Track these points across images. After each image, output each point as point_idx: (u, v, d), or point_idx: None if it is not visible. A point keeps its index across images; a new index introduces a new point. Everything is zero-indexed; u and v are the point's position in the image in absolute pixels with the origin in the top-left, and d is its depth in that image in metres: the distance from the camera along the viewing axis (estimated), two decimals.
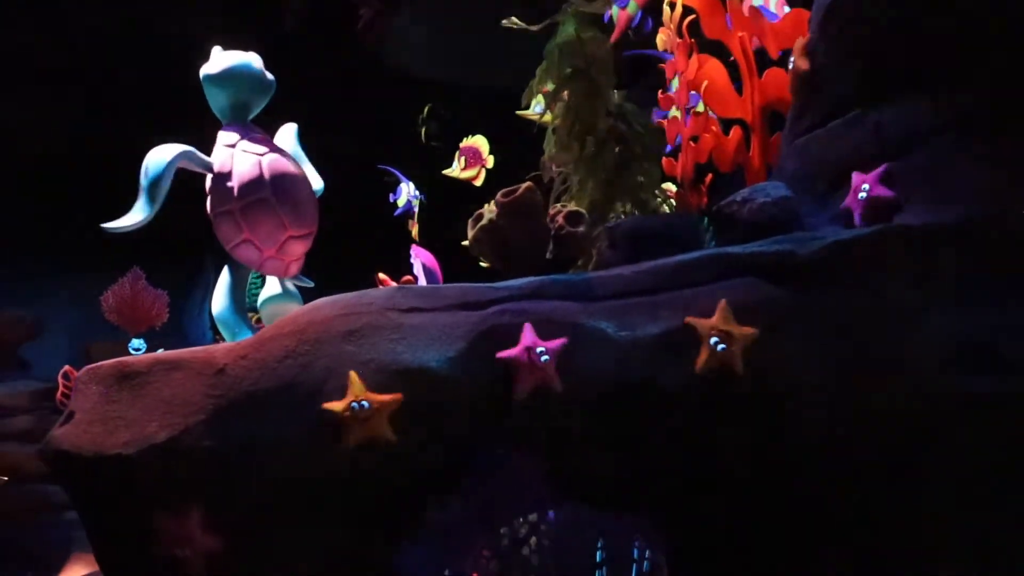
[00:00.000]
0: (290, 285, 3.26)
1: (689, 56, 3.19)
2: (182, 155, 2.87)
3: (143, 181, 2.84)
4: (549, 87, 3.01)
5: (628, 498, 2.60)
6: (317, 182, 3.24)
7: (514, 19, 3.00)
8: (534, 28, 3.01)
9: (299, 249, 3.04)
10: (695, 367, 2.46)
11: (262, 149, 3.01)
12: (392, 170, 6.17)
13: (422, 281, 4.22)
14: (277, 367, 2.49)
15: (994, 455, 2.42)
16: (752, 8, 3.33)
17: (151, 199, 2.80)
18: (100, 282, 7.22)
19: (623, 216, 3.05)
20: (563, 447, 2.53)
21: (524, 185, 2.70)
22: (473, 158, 4.28)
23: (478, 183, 4.37)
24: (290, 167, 3.01)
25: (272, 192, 2.92)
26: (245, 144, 3.00)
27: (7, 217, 7.03)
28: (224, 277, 3.07)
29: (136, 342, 6.98)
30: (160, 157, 2.84)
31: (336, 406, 2.38)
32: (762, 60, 3.31)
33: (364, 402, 2.39)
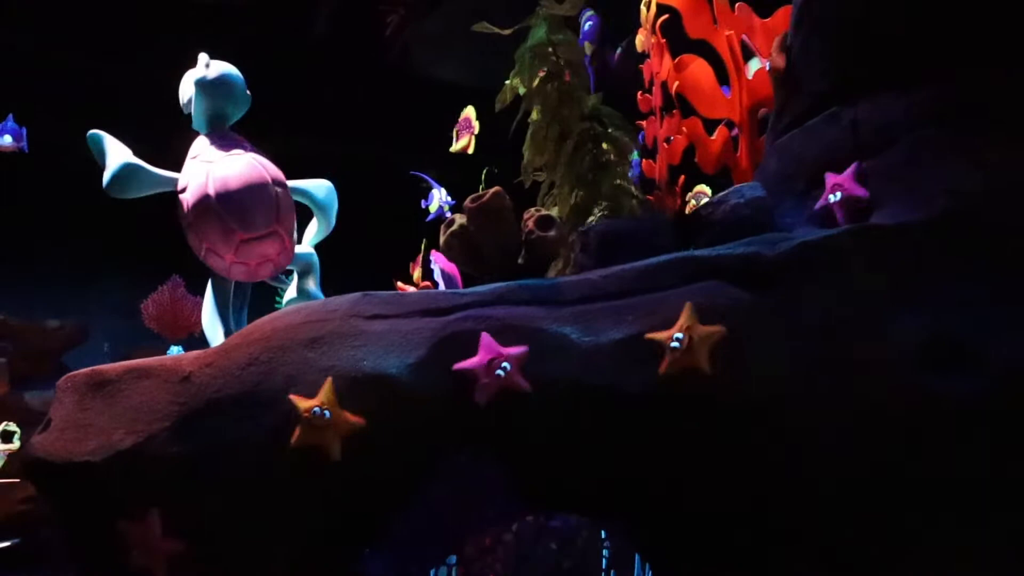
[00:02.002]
0: (310, 287, 3.29)
1: (663, 57, 3.15)
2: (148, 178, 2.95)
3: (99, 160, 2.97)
4: (521, 91, 3.00)
5: (595, 504, 2.58)
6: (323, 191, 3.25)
7: (485, 24, 2.99)
8: (506, 32, 3.00)
9: (261, 250, 3.03)
10: (659, 371, 2.40)
11: (218, 155, 3.03)
12: (424, 176, 6.20)
13: (441, 287, 4.24)
14: (241, 374, 2.52)
15: (968, 455, 2.33)
16: (741, 4, 3.28)
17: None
18: (141, 290, 7.41)
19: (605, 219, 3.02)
20: (526, 454, 2.51)
21: (492, 190, 2.68)
22: (464, 128, 4.26)
23: (470, 151, 4.35)
24: (239, 171, 3.01)
25: (216, 198, 2.94)
26: (205, 154, 3.04)
27: (51, 227, 7.23)
28: (208, 289, 3.12)
29: (174, 348, 7.14)
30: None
31: (301, 403, 2.38)
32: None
33: (326, 411, 2.39)
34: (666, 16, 3.22)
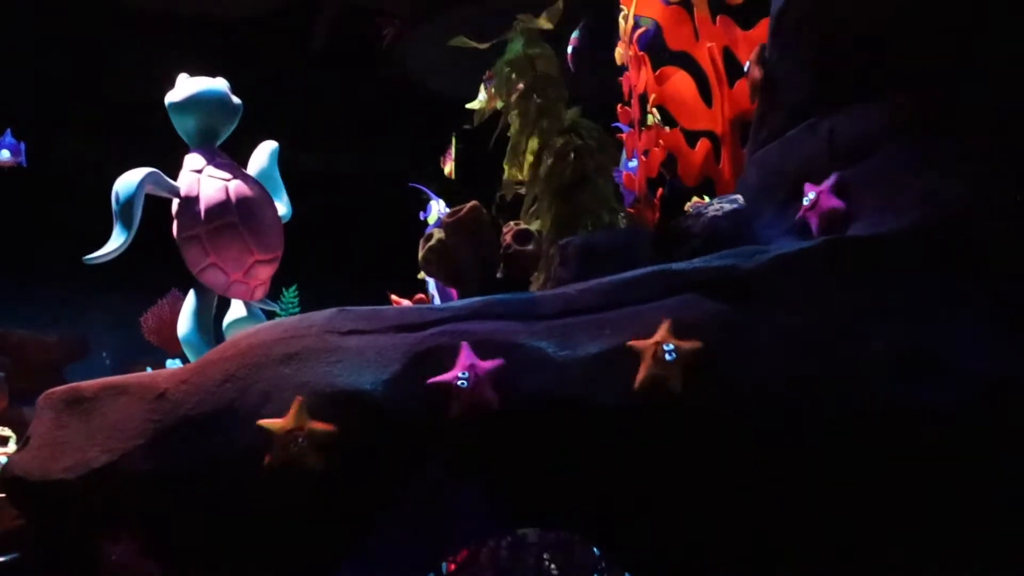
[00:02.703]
0: (256, 308, 3.30)
1: (640, 70, 3.14)
2: (149, 177, 2.93)
3: (115, 208, 2.90)
4: (499, 105, 2.99)
5: (571, 517, 2.57)
6: (283, 207, 3.27)
7: (463, 38, 2.99)
8: (483, 46, 3.00)
9: (265, 273, 3.09)
10: (634, 384, 2.39)
11: (228, 175, 3.05)
12: (422, 188, 6.21)
13: (436, 301, 4.23)
14: (216, 391, 2.52)
15: (943, 467, 2.31)
16: (722, 17, 3.27)
17: (126, 225, 2.87)
18: (141, 304, 7.42)
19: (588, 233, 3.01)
20: (502, 468, 2.50)
21: (469, 204, 2.68)
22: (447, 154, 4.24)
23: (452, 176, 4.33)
24: (256, 193, 3.05)
25: (239, 217, 2.96)
26: (211, 169, 3.06)
27: (51, 240, 7.25)
28: (190, 300, 3.13)
29: (172, 361, 7.15)
30: (128, 181, 2.91)
31: (273, 424, 2.38)
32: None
33: (301, 438, 2.38)
34: (643, 29, 3.21)
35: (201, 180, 3.01)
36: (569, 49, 3.39)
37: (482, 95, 3.69)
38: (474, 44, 2.97)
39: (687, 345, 2.36)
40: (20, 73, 7.07)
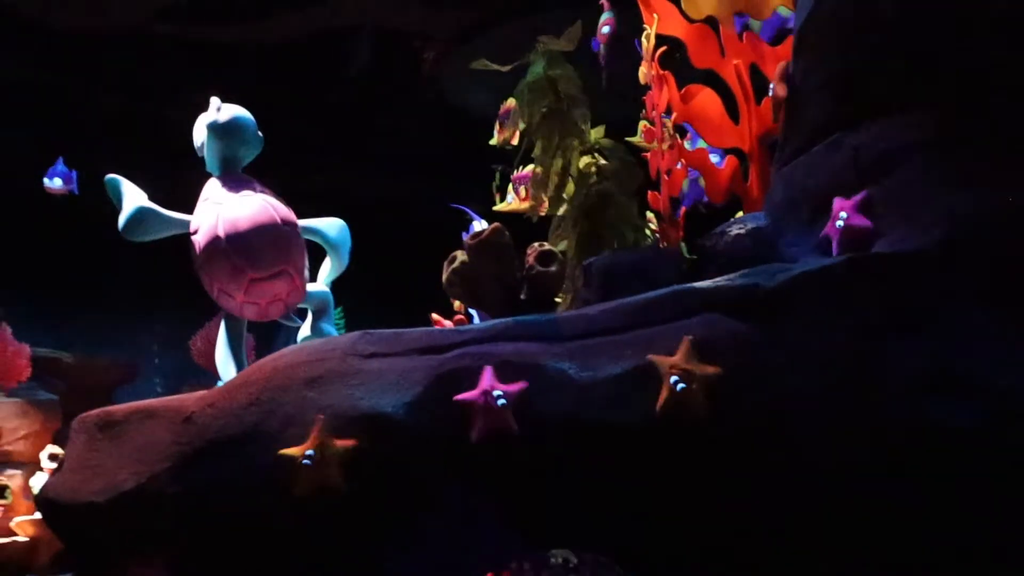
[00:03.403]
0: (323, 325, 3.33)
1: (663, 89, 3.13)
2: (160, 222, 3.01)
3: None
4: (521, 127, 3.01)
5: (593, 539, 2.55)
6: (331, 228, 3.29)
7: (484, 60, 3.01)
8: (505, 69, 3.02)
9: (272, 289, 3.09)
10: (655, 407, 2.38)
11: (229, 196, 3.09)
12: (464, 209, 6.23)
13: (476, 320, 4.25)
14: (242, 414, 2.55)
15: (970, 486, 2.26)
16: (749, 34, 3.25)
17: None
18: (190, 327, 7.55)
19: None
20: (523, 490, 2.50)
21: (491, 226, 2.69)
22: (507, 117, 4.12)
23: (514, 142, 4.17)
24: (249, 211, 3.06)
25: (225, 240, 3.00)
26: (216, 196, 3.11)
27: (103, 266, 7.41)
28: (221, 328, 3.17)
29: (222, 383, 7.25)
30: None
31: (294, 451, 2.40)
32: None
33: (321, 452, 2.40)
34: (665, 48, 3.21)
35: (203, 209, 3.06)
36: (603, 33, 3.33)
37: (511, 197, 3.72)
38: (496, 67, 2.98)
39: (707, 368, 2.34)
40: (71, 102, 7.26)
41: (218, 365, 3.14)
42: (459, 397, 2.44)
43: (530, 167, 4.16)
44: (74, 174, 6.55)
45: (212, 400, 2.60)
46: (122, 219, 3.07)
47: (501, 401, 2.39)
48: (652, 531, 2.48)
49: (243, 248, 3.03)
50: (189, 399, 2.65)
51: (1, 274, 6.80)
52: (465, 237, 6.28)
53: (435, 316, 4.63)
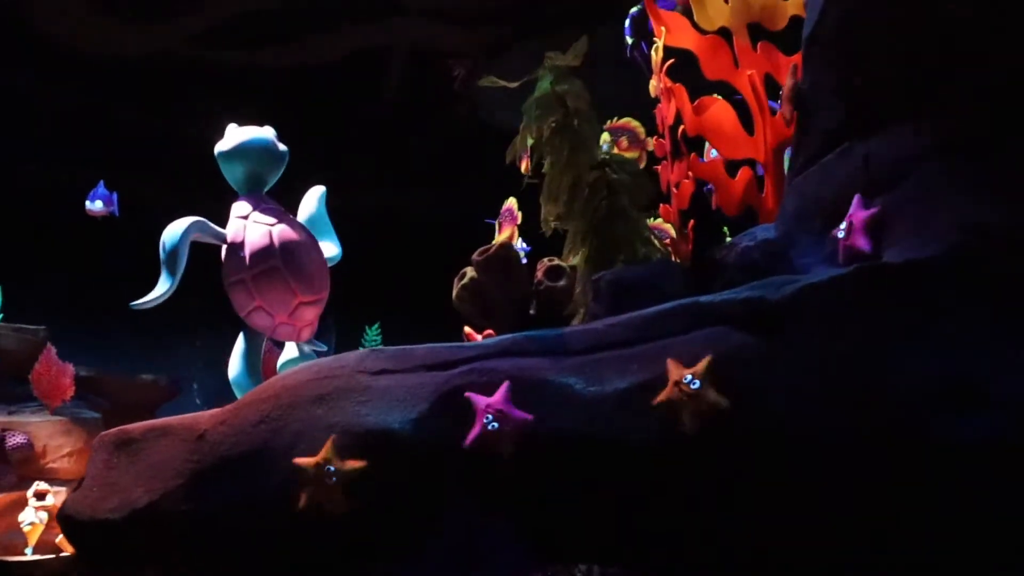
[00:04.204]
0: (307, 349, 3.37)
1: (671, 102, 3.12)
2: (194, 226, 3.04)
3: (162, 256, 3.02)
4: (530, 142, 3.02)
5: (603, 553, 2.54)
6: (332, 250, 3.34)
7: (492, 77, 3.03)
8: (512, 85, 3.03)
9: (310, 314, 3.15)
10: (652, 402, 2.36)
11: (272, 220, 3.14)
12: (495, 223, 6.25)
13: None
14: (252, 431, 2.59)
15: (981, 497, 2.22)
16: (763, 43, 3.23)
17: (171, 272, 2.99)
18: (231, 344, 7.63)
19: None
20: (532, 505, 2.49)
21: (498, 242, 2.70)
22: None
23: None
24: (300, 236, 3.13)
25: (282, 261, 3.05)
26: (257, 215, 3.16)
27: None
28: (239, 343, 3.22)
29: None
30: (174, 231, 3.03)
31: (308, 462, 2.43)
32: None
33: (330, 466, 2.43)
34: (672, 60, 3.19)
35: (247, 226, 3.10)
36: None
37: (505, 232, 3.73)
38: (504, 83, 3.00)
39: (720, 401, 2.32)
40: (112, 127, 7.42)
41: (233, 380, 3.17)
42: (469, 394, 2.44)
43: (512, 200, 4.20)
44: (115, 196, 6.70)
45: (224, 418, 2.63)
46: (180, 228, 3.09)
47: (493, 425, 2.39)
48: (659, 543, 2.45)
49: (301, 272, 3.10)
50: (203, 417, 2.69)
51: (44, 295, 6.94)
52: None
53: (468, 330, 4.63)
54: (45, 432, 6.42)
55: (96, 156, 7.13)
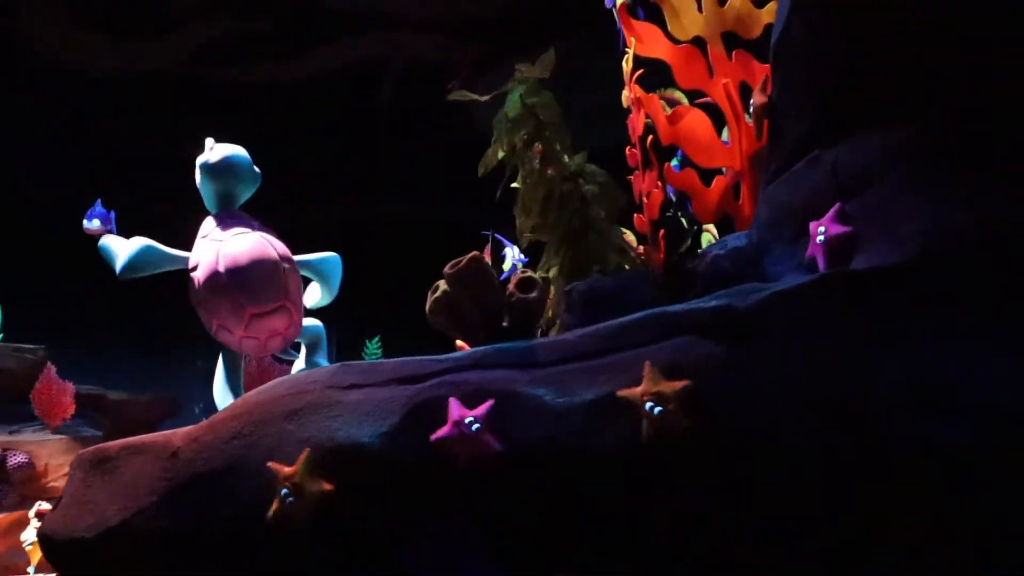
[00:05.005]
0: (316, 357, 3.38)
1: (640, 112, 3.12)
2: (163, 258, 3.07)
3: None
4: (501, 155, 3.02)
5: (573, 563, 2.53)
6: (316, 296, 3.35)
7: (463, 91, 3.04)
8: (483, 99, 3.04)
9: (272, 324, 3.14)
10: (636, 433, 2.36)
11: (228, 234, 3.14)
12: (496, 236, 6.25)
13: None
14: (224, 448, 2.60)
15: (955, 503, 2.21)
16: (738, 52, 3.24)
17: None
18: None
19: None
20: (502, 517, 2.49)
21: (468, 255, 2.71)
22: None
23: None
24: (248, 248, 3.12)
25: (226, 275, 3.05)
26: (215, 232, 3.16)
27: (146, 304, 7.59)
28: (219, 363, 3.23)
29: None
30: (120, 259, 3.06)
31: (282, 471, 2.43)
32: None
33: (288, 492, 2.43)
34: (642, 71, 3.19)
35: (202, 245, 3.12)
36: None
37: None
38: (475, 97, 3.01)
39: (674, 384, 2.31)
40: (108, 145, 7.48)
41: (216, 399, 3.19)
42: (435, 437, 2.45)
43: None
44: (112, 215, 6.73)
45: (197, 435, 2.64)
46: (123, 259, 3.13)
47: (475, 426, 2.39)
48: (631, 554, 2.45)
49: (243, 284, 3.09)
50: (177, 434, 2.70)
51: (44, 314, 6.99)
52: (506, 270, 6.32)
53: (460, 343, 4.64)
54: (46, 451, 6.47)
55: (93, 175, 7.18)
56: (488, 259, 3.46)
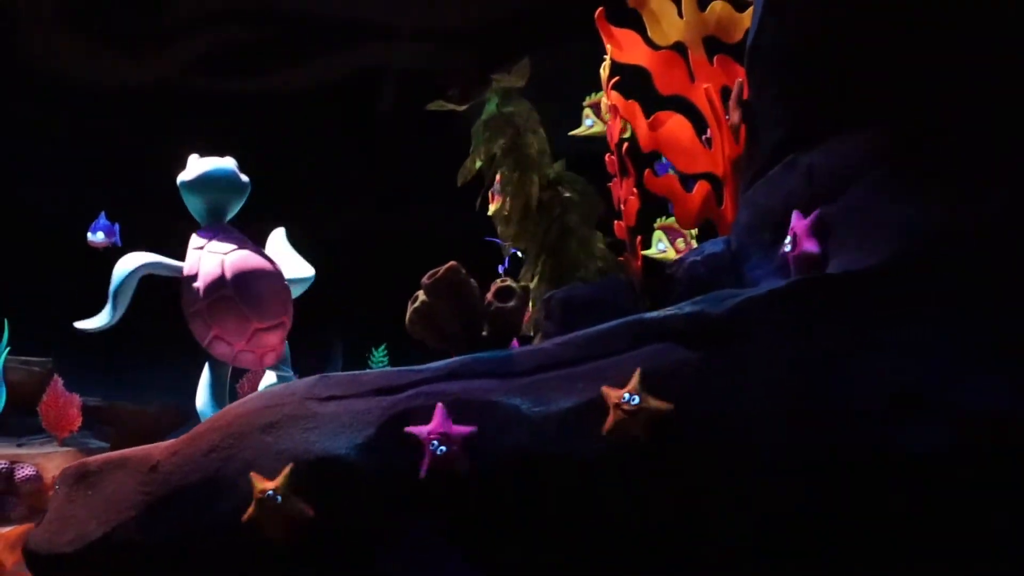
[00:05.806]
0: (287, 372, 3.39)
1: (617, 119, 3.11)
2: (145, 267, 3.08)
3: (110, 289, 3.07)
4: (478, 164, 3.02)
5: (551, 572, 2.53)
6: (305, 271, 3.36)
7: (441, 101, 3.04)
8: (460, 108, 3.04)
9: (271, 340, 3.17)
10: (602, 431, 2.36)
11: (227, 248, 3.17)
12: (499, 242, 6.24)
13: None
14: (203, 461, 2.61)
15: (932, 506, 2.19)
16: (720, 57, 3.22)
17: (114, 306, 3.03)
18: (237, 372, 7.68)
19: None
20: (479, 527, 2.49)
21: (446, 265, 2.71)
22: None
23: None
24: (254, 263, 3.15)
25: (234, 288, 3.07)
26: (213, 245, 3.19)
27: (151, 314, 7.61)
28: (205, 374, 3.24)
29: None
30: (123, 268, 3.07)
31: (259, 483, 2.44)
32: None
33: (279, 496, 2.44)
34: (617, 78, 3.18)
35: (201, 257, 3.13)
36: None
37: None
38: (453, 107, 3.01)
39: (659, 403, 2.31)
40: (113, 156, 7.53)
41: (199, 411, 3.21)
42: (409, 429, 2.45)
43: None
44: (116, 227, 6.75)
45: (177, 448, 2.65)
46: (131, 265, 3.15)
47: (440, 450, 2.40)
48: (610, 561, 2.44)
49: (252, 298, 3.13)
50: (157, 448, 2.71)
51: (50, 326, 7.02)
52: (501, 270, 6.32)
53: None
54: (54, 464, 6.48)
55: (98, 186, 7.22)
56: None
